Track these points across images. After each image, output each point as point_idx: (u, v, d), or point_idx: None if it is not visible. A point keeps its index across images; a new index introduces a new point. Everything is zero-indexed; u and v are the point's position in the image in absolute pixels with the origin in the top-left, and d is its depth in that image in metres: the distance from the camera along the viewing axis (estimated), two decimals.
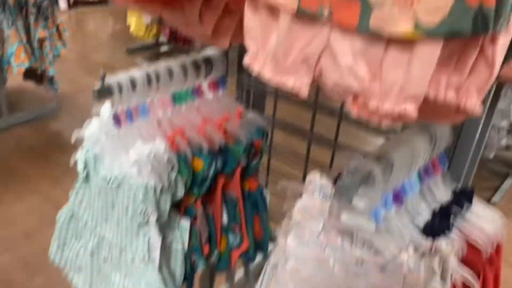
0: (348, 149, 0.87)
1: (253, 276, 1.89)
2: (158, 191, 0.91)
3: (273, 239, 1.28)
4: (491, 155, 2.35)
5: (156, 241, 0.95)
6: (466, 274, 0.71)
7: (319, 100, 1.30)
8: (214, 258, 1.16)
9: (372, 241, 0.73)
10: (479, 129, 0.88)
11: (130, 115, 0.95)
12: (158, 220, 0.94)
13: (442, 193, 0.87)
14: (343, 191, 0.78)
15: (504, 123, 2.26)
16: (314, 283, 0.79)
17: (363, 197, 0.76)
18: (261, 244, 1.29)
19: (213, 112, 1.14)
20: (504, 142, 2.32)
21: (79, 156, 1.03)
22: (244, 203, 1.19)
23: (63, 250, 1.12)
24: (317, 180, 0.83)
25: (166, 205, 0.95)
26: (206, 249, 1.10)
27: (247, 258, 1.25)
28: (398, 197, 0.75)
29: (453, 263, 0.70)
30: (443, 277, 0.69)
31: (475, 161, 0.96)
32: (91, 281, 1.06)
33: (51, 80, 2.98)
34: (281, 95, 1.40)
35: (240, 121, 1.14)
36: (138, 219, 0.92)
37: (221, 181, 1.10)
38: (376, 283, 0.72)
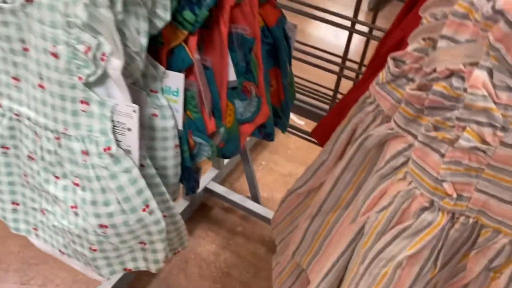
0: None
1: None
2: (118, 6, 0.41)
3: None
4: None
5: (129, 112, 0.47)
6: None
7: None
8: (220, 137, 0.70)
9: None
10: None
11: None
12: (126, 71, 0.46)
13: None
14: None
15: None
16: None
17: None
18: (279, 113, 0.85)
19: None
20: None
21: None
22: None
23: None
24: None
25: (140, 39, 0.45)
26: (211, 125, 0.65)
27: (264, 133, 0.81)
28: None
29: None
30: None
31: None
32: (10, 199, 0.59)
33: None
34: None
35: None
36: (86, 71, 0.43)
37: (228, 3, 0.61)
38: None
